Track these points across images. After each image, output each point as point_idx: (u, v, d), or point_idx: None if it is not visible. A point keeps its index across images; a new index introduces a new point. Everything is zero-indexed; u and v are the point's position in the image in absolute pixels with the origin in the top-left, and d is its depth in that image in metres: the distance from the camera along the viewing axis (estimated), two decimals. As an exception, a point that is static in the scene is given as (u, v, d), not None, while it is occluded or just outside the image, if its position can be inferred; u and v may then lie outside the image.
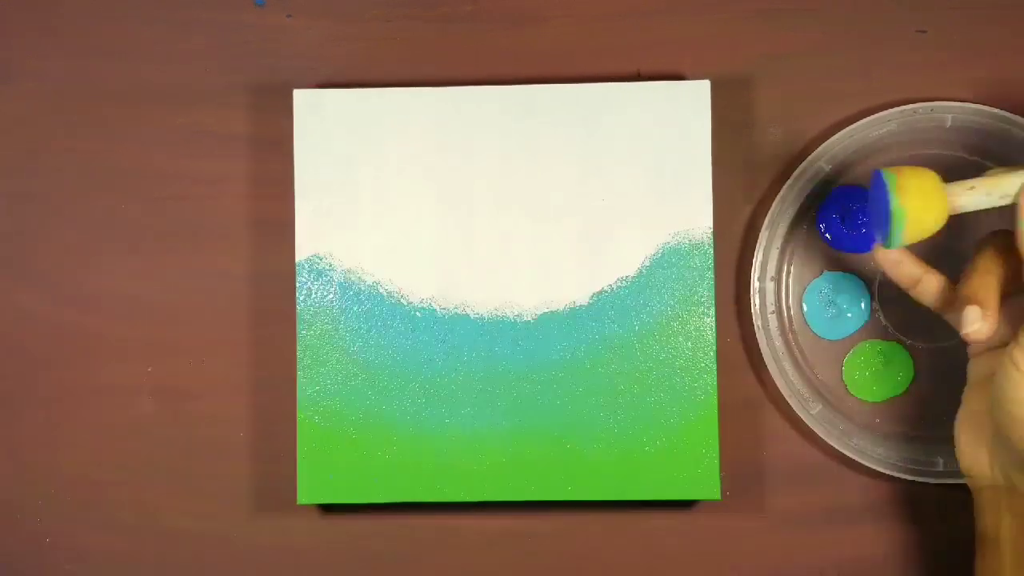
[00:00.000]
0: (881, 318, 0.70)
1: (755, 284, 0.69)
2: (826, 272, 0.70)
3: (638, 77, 0.70)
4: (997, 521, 0.60)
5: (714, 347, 0.67)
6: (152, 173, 0.71)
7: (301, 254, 0.69)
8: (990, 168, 0.68)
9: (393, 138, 0.69)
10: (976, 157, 0.70)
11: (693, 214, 0.68)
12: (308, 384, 0.68)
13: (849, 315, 0.70)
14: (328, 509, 0.70)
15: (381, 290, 0.69)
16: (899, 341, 0.70)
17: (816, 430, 0.68)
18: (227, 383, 0.71)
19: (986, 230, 0.64)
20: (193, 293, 0.71)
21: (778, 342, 0.69)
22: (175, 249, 0.71)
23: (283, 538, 0.70)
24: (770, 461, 0.69)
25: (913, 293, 0.63)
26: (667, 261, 0.68)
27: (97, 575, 0.71)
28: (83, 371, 0.71)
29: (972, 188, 0.59)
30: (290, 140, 0.69)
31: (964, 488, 0.69)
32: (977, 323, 0.58)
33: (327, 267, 0.69)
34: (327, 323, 0.69)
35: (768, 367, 0.68)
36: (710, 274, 0.68)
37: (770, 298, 0.69)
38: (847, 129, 0.68)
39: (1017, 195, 0.59)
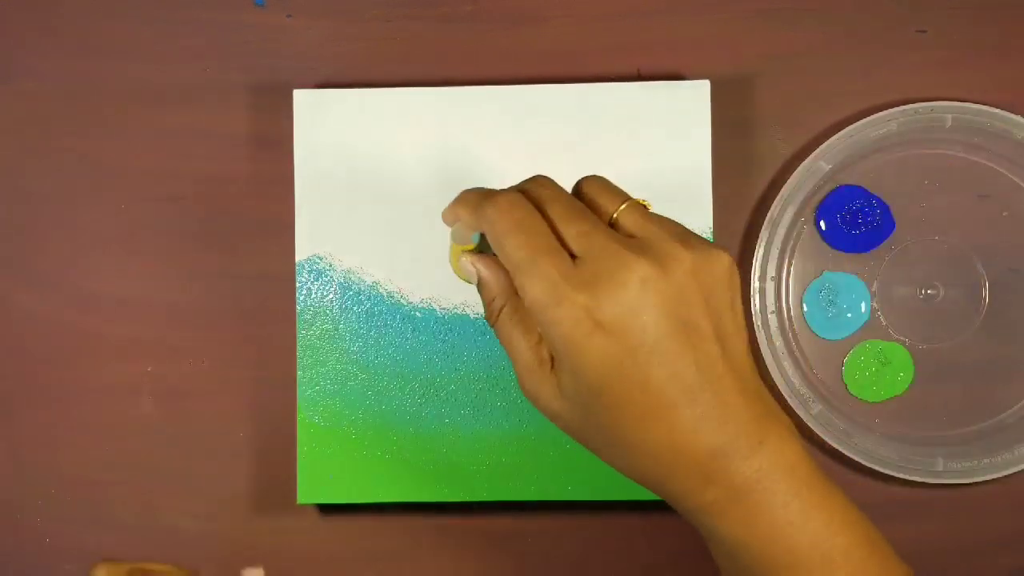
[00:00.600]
0: (881, 318, 0.70)
1: (755, 284, 0.69)
2: (826, 272, 0.70)
3: (638, 77, 0.70)
4: None
5: (714, 347, 0.67)
6: (152, 173, 0.71)
7: (301, 254, 0.69)
8: (989, 168, 0.68)
9: (393, 138, 0.69)
10: (976, 157, 0.70)
11: (693, 214, 0.68)
12: (308, 384, 0.68)
13: (849, 315, 0.70)
14: (328, 509, 0.70)
15: (381, 290, 0.69)
16: (899, 341, 0.70)
17: (816, 430, 0.68)
18: (227, 383, 0.70)
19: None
20: (193, 293, 0.71)
21: (778, 342, 0.69)
22: (175, 249, 0.71)
23: (283, 538, 0.70)
24: (770, 461, 0.69)
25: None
26: (667, 261, 0.68)
27: (97, 575, 0.71)
28: (83, 371, 0.71)
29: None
30: (290, 140, 0.69)
31: (964, 488, 0.69)
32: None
33: (327, 267, 0.69)
34: (327, 323, 0.69)
35: (768, 367, 0.68)
36: (710, 274, 0.68)
37: (770, 298, 0.69)
38: (847, 129, 0.68)
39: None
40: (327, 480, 0.68)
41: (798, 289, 0.70)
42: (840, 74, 0.70)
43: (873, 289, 0.70)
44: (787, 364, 0.68)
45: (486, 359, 0.68)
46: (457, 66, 0.70)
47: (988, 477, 0.68)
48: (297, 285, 0.69)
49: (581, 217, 0.51)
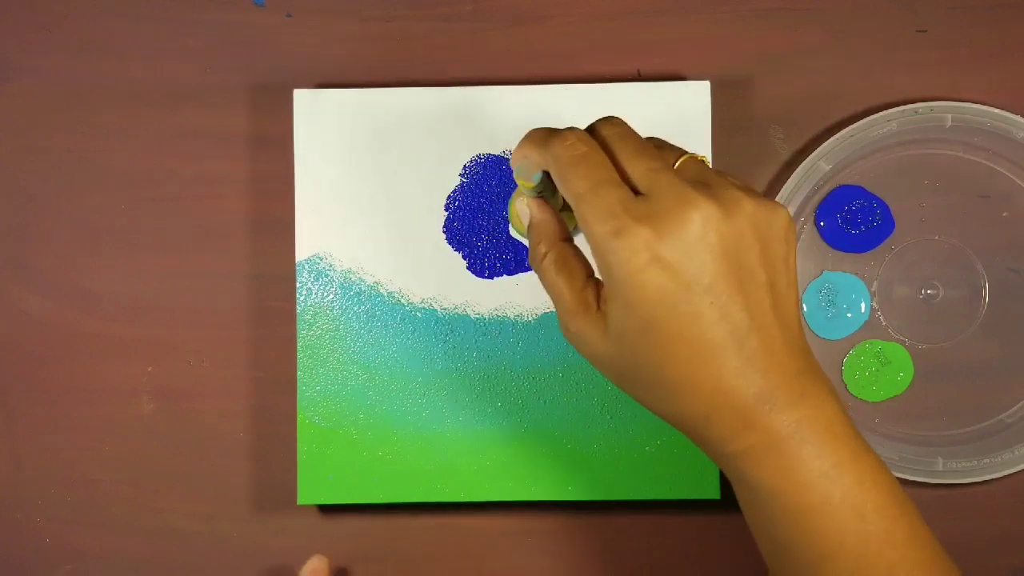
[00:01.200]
0: (881, 318, 0.70)
1: (755, 284, 0.69)
2: (826, 272, 0.70)
3: (638, 77, 0.70)
4: None
5: (714, 347, 0.67)
6: (152, 173, 0.71)
7: (301, 254, 0.69)
8: (989, 168, 0.68)
9: (393, 138, 0.69)
10: (976, 157, 0.70)
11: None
12: (308, 384, 0.68)
13: (849, 315, 0.70)
14: (328, 509, 0.70)
15: (381, 290, 0.69)
16: (899, 341, 0.70)
17: (816, 430, 0.68)
18: (227, 383, 0.71)
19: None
20: (193, 293, 0.71)
21: (778, 342, 0.69)
22: (175, 249, 0.71)
23: (283, 538, 0.70)
24: (770, 461, 0.69)
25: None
26: (667, 261, 0.68)
27: (97, 575, 0.71)
28: (83, 371, 0.71)
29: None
30: (290, 140, 0.69)
31: (964, 488, 0.69)
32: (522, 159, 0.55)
33: (327, 267, 0.69)
34: (327, 323, 0.69)
35: (768, 367, 0.68)
36: (710, 274, 0.68)
37: (770, 298, 0.69)
38: (847, 129, 0.68)
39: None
40: (327, 480, 0.68)
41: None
42: (840, 74, 0.70)
43: (873, 289, 0.70)
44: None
45: (486, 359, 0.68)
46: (457, 66, 0.70)
47: (988, 477, 0.68)
48: (297, 285, 0.69)
49: (649, 155, 0.52)
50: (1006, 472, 0.68)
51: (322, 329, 0.69)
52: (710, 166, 0.54)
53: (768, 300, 0.51)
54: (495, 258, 0.69)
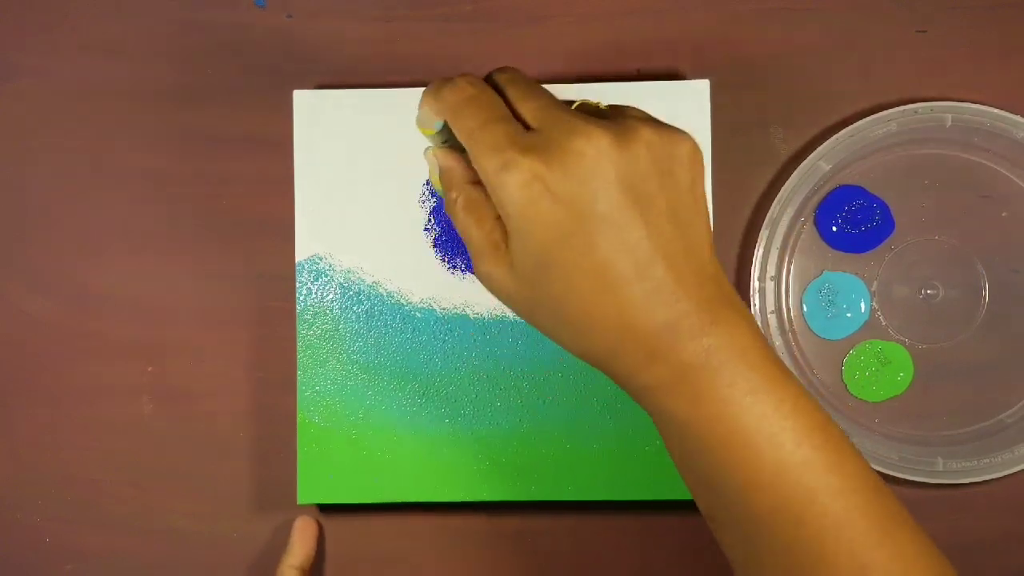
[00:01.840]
0: (881, 318, 0.70)
1: (755, 284, 0.69)
2: (826, 272, 0.70)
3: (638, 77, 0.70)
4: None
5: (714, 347, 0.67)
6: (152, 173, 0.71)
7: (301, 254, 0.69)
8: (989, 168, 0.68)
9: (393, 138, 0.69)
10: (976, 157, 0.70)
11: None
12: (308, 384, 0.68)
13: (849, 315, 0.70)
14: (328, 509, 0.70)
15: (381, 290, 0.69)
16: (899, 341, 0.70)
17: (816, 430, 0.68)
18: (227, 383, 0.71)
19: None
20: (193, 293, 0.71)
21: (778, 342, 0.69)
22: (175, 249, 0.71)
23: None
24: (770, 461, 0.69)
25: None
26: (667, 261, 0.68)
27: (97, 575, 0.71)
28: (83, 371, 0.71)
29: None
30: (290, 140, 0.69)
31: (964, 488, 0.69)
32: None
33: (327, 267, 0.69)
34: (327, 323, 0.69)
35: (768, 367, 0.68)
36: (710, 274, 0.68)
37: (770, 298, 0.69)
38: (847, 129, 0.68)
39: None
40: (327, 480, 0.68)
41: (798, 289, 0.70)
42: (840, 74, 0.70)
43: (873, 289, 0.70)
44: (787, 364, 0.68)
45: (486, 359, 0.68)
46: (457, 66, 0.70)
47: (988, 477, 0.68)
48: (297, 285, 0.69)
49: (540, 94, 0.51)
50: (1006, 472, 0.68)
51: (322, 329, 0.69)
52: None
53: (670, 228, 0.49)
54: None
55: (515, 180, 0.48)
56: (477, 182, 0.54)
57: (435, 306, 0.68)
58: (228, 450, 0.70)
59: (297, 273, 0.69)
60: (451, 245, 0.68)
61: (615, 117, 0.50)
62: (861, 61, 0.70)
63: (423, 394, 0.68)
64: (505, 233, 0.51)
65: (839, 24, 0.70)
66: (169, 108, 0.71)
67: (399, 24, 0.71)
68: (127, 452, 0.71)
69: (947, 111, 0.68)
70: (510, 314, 0.68)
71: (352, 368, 0.68)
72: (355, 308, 0.69)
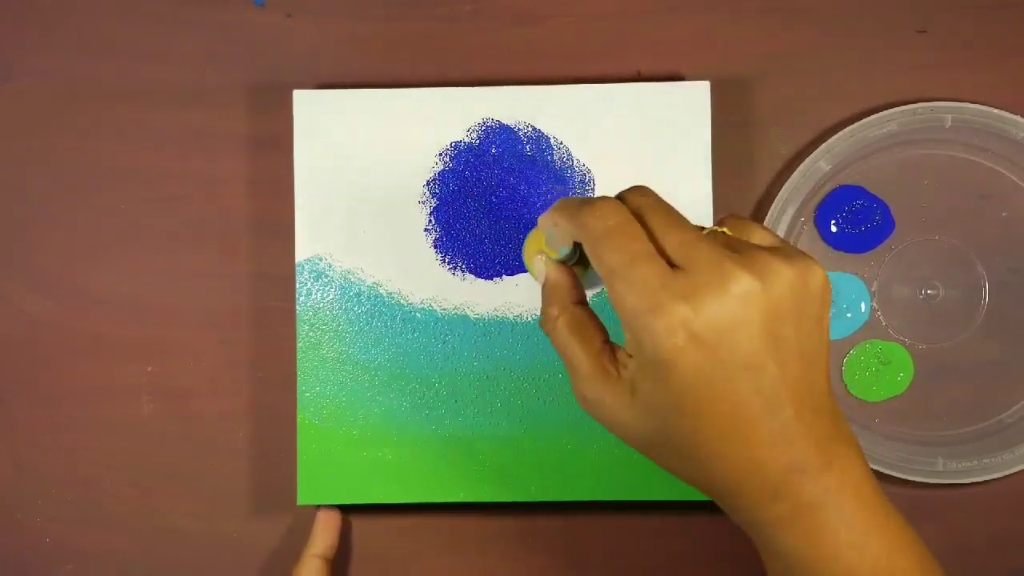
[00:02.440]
0: (881, 318, 0.70)
1: (755, 284, 0.68)
2: (826, 272, 0.70)
3: (638, 77, 0.70)
4: None
5: (714, 347, 0.67)
6: (152, 173, 0.71)
7: (301, 254, 0.69)
8: (989, 168, 0.68)
9: (393, 138, 0.69)
10: (976, 157, 0.70)
11: (693, 214, 0.68)
12: (308, 384, 0.68)
13: (849, 315, 0.70)
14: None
15: (381, 290, 0.69)
16: (899, 341, 0.70)
17: (816, 430, 0.68)
18: (227, 383, 0.71)
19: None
20: (193, 293, 0.71)
21: (778, 342, 0.69)
22: (175, 249, 0.71)
23: (283, 538, 0.70)
24: (770, 461, 0.69)
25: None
26: (667, 261, 0.68)
27: (97, 575, 0.71)
28: (83, 371, 0.71)
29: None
30: (290, 140, 0.69)
31: (964, 488, 0.69)
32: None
33: (327, 267, 0.69)
34: (327, 323, 0.69)
35: (768, 367, 0.68)
36: (710, 274, 0.68)
37: (770, 298, 0.69)
38: (847, 129, 0.68)
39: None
40: (327, 480, 0.68)
41: (798, 289, 0.70)
42: (840, 74, 0.70)
43: (873, 289, 0.70)
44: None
45: (486, 360, 0.68)
46: (457, 66, 0.70)
47: (988, 477, 0.68)
48: (297, 285, 0.69)
49: (683, 227, 0.50)
50: (1006, 472, 0.68)
51: (322, 329, 0.69)
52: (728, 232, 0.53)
53: (800, 367, 0.50)
54: (495, 259, 0.69)
55: (664, 326, 0.48)
56: (582, 301, 0.54)
57: (435, 307, 0.68)
58: (228, 450, 0.70)
59: (297, 273, 0.69)
60: (451, 246, 0.68)
61: (749, 252, 0.50)
62: (861, 61, 0.70)
63: (423, 394, 0.68)
64: (614, 358, 0.52)
65: (839, 24, 0.70)
66: (169, 108, 0.71)
67: (399, 24, 0.71)
68: (127, 452, 0.71)
69: (947, 111, 0.68)
70: (510, 315, 0.68)
71: (352, 368, 0.68)
72: (355, 308, 0.69)
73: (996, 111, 0.68)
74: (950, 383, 0.69)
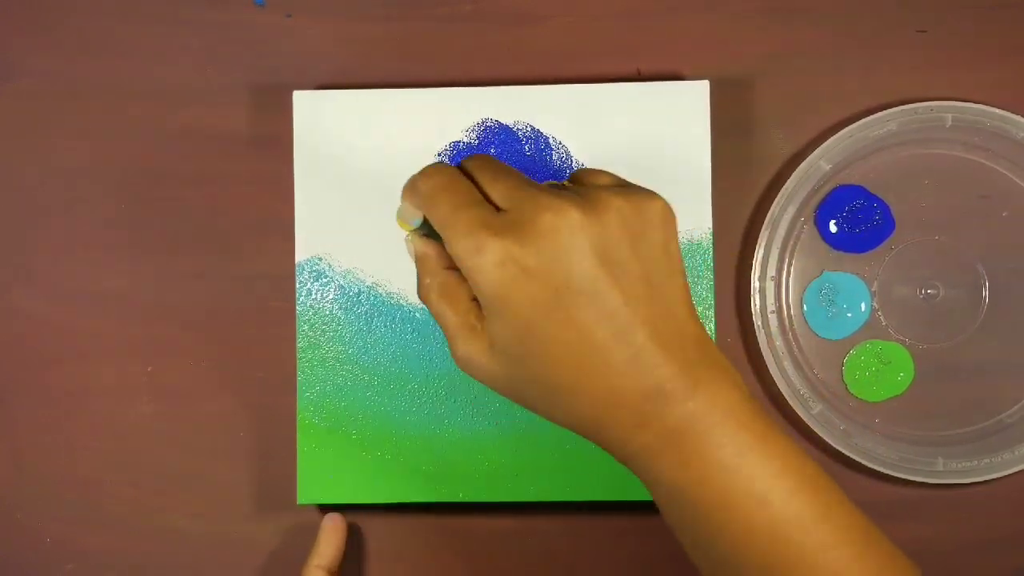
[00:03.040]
0: (881, 318, 0.70)
1: (755, 284, 0.69)
2: (826, 272, 0.70)
3: (638, 77, 0.70)
4: None
5: (714, 347, 0.67)
6: (152, 173, 0.71)
7: (301, 254, 0.69)
8: (989, 168, 0.68)
9: (393, 138, 0.69)
10: (976, 157, 0.70)
11: (693, 214, 0.68)
12: (308, 384, 0.68)
13: (849, 315, 0.70)
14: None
15: (381, 290, 0.69)
16: (899, 341, 0.70)
17: (816, 430, 0.68)
18: (227, 383, 0.71)
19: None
20: (193, 293, 0.71)
21: (778, 342, 0.69)
22: (175, 249, 0.71)
23: (283, 538, 0.70)
24: (770, 461, 0.69)
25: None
26: (667, 261, 0.68)
27: (97, 575, 0.71)
28: (83, 371, 0.71)
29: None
30: (290, 140, 0.69)
31: (964, 488, 0.69)
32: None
33: (327, 267, 0.69)
34: (327, 323, 0.69)
35: (768, 367, 0.68)
36: (710, 274, 0.68)
37: (770, 298, 0.69)
38: (847, 129, 0.68)
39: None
40: (327, 480, 0.68)
41: (798, 289, 0.70)
42: (840, 74, 0.70)
43: (873, 289, 0.70)
44: (787, 364, 0.68)
45: (486, 359, 0.68)
46: (457, 66, 0.70)
47: (988, 477, 0.68)
48: (297, 285, 0.69)
49: (511, 176, 0.52)
50: (1006, 472, 0.68)
51: (322, 329, 0.69)
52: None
53: (646, 292, 0.50)
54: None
55: (489, 261, 0.49)
56: (451, 267, 0.54)
57: (435, 306, 0.68)
58: (228, 450, 0.70)
59: (297, 273, 0.69)
60: None
61: (583, 186, 0.51)
62: (861, 61, 0.70)
63: (423, 394, 0.68)
64: (480, 315, 0.52)
65: (839, 24, 0.70)
66: (169, 108, 0.71)
67: (399, 24, 0.71)
68: (127, 452, 0.71)
69: (947, 111, 0.68)
70: (510, 314, 0.68)
71: (352, 368, 0.68)
72: (355, 308, 0.69)
73: (996, 111, 0.68)
74: (950, 383, 0.69)
